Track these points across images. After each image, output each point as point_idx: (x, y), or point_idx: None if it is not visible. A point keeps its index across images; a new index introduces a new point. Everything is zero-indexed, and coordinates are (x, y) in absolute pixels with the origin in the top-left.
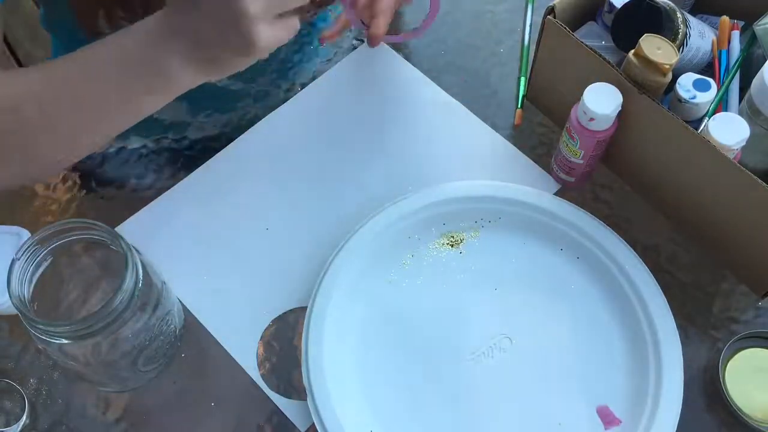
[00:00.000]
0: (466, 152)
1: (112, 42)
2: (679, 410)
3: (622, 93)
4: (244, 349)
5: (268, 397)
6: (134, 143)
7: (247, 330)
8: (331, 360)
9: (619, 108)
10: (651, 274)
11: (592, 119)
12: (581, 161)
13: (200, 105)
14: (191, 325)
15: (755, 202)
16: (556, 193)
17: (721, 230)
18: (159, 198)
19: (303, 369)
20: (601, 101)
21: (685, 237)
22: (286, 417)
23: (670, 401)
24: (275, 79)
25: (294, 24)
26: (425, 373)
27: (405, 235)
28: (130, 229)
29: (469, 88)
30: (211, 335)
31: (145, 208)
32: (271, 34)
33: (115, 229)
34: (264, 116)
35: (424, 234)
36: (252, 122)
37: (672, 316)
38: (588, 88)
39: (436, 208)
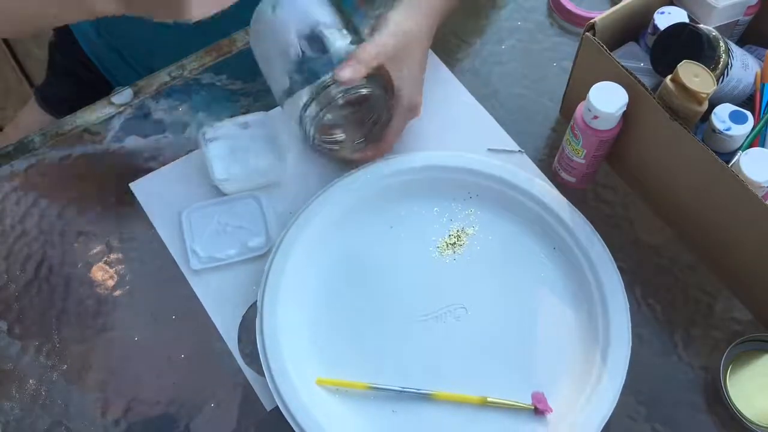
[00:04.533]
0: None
1: None
2: (608, 415)
3: (657, 115)
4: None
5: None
6: (133, 143)
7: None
8: (286, 305)
9: (624, 108)
10: (623, 286)
11: (596, 117)
12: (583, 161)
13: (200, 104)
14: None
15: None
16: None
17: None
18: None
19: (257, 319)
20: (607, 100)
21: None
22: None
23: (600, 402)
24: None
25: None
26: (375, 323)
27: (385, 195)
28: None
29: (470, 88)
30: (216, 330)
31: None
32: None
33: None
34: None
35: (401, 197)
36: None
37: (629, 328)
38: (594, 86)
39: (422, 173)
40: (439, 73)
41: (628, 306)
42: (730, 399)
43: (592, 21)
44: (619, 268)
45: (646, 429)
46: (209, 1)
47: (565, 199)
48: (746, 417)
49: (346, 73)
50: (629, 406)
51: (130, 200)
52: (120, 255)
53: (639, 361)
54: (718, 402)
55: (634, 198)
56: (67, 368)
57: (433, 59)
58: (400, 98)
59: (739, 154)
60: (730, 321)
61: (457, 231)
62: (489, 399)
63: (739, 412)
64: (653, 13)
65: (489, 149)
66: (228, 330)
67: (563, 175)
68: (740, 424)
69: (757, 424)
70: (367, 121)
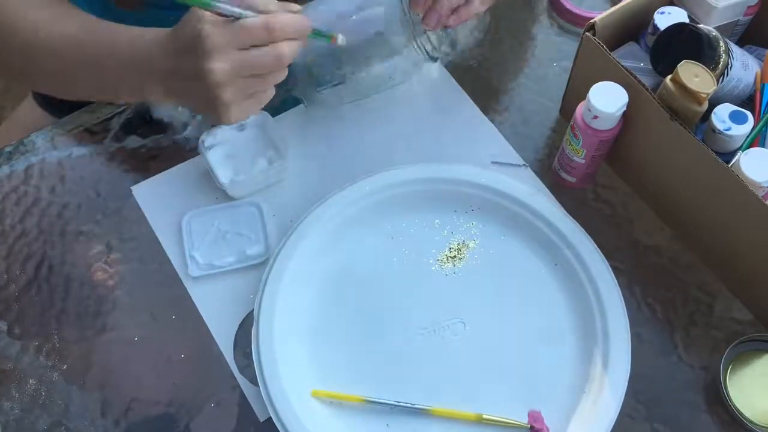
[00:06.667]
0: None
1: (123, 35)
2: None
3: (657, 115)
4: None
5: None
6: (133, 143)
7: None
8: (283, 315)
9: (624, 108)
10: (623, 304)
11: (596, 117)
12: (583, 161)
13: None
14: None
15: None
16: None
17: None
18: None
19: (253, 328)
20: (607, 100)
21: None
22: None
23: (597, 422)
24: None
25: (268, 96)
26: (372, 336)
27: (386, 206)
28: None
29: (469, 88)
30: (213, 337)
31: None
32: (238, 108)
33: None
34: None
35: (402, 208)
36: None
37: (629, 347)
38: (594, 86)
39: (424, 185)
40: (444, 84)
41: (628, 324)
42: (730, 399)
43: (592, 21)
44: (619, 268)
45: (646, 429)
46: (245, 110)
47: (568, 215)
48: (746, 417)
49: None
50: (629, 406)
51: (130, 200)
52: (120, 255)
53: (639, 361)
54: (718, 402)
55: (634, 198)
56: (67, 368)
57: (441, 71)
58: None
59: (739, 154)
60: (730, 321)
61: (458, 244)
62: (484, 416)
63: (739, 412)
64: (653, 13)
65: (492, 162)
66: (224, 338)
67: (563, 175)
68: (740, 424)
69: (757, 424)
70: None
